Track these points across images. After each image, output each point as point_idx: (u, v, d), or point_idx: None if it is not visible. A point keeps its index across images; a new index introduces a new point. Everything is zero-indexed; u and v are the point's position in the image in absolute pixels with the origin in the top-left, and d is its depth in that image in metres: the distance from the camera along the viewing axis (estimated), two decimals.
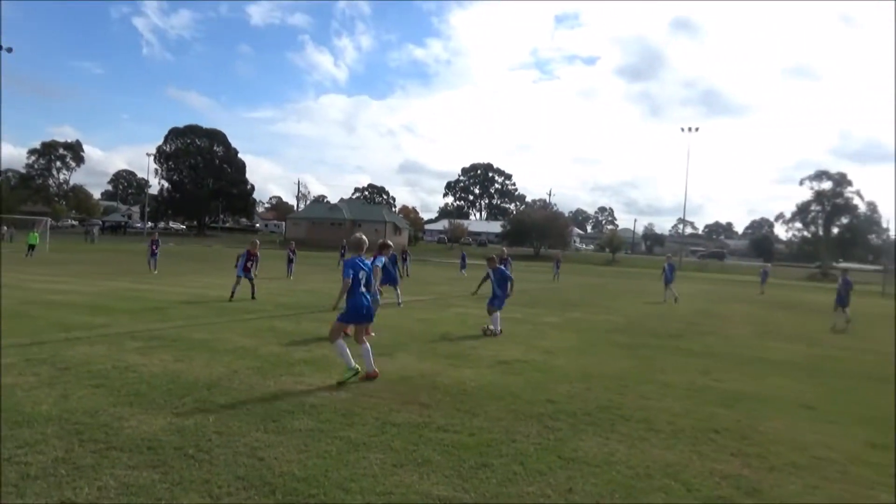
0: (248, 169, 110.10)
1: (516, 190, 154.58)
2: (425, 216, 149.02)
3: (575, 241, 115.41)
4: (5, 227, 52.12)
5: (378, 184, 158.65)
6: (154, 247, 25.40)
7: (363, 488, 4.11)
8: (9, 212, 55.99)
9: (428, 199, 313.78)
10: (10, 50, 55.64)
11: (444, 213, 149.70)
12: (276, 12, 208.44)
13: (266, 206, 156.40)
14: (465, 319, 13.91)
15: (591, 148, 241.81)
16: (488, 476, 4.45)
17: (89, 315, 11.59)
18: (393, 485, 4.19)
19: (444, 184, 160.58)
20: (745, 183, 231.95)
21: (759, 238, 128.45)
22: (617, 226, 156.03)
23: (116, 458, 4.42)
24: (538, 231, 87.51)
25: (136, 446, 4.67)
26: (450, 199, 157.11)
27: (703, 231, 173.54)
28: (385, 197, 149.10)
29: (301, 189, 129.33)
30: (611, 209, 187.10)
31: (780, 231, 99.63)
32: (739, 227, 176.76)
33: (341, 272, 7.28)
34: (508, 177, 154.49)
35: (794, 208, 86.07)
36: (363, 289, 7.25)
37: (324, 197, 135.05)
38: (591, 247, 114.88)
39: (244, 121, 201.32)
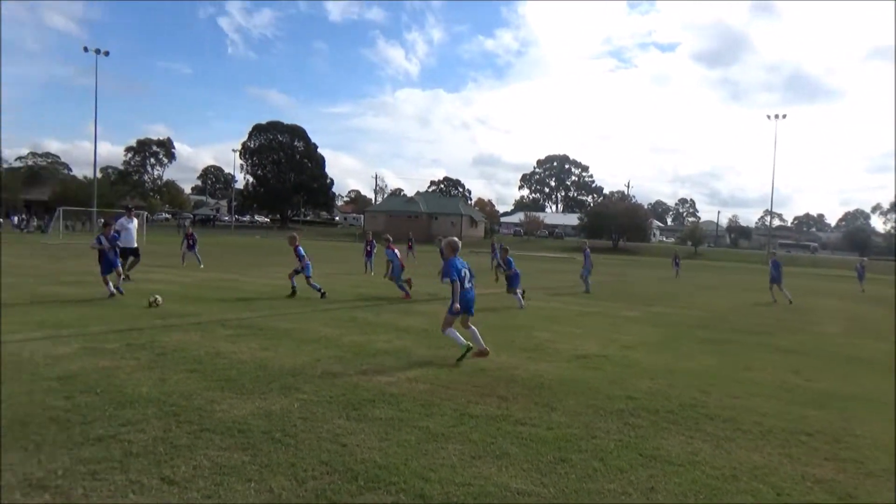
0: (327, 163, 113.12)
1: (593, 182, 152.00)
2: (501, 209, 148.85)
3: (655, 234, 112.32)
4: (102, 220, 55.65)
5: (453, 176, 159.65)
6: (190, 240, 24.31)
7: (442, 478, 4.16)
8: (109, 206, 59.76)
9: (503, 192, 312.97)
10: (106, 53, 59.40)
11: (520, 205, 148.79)
12: (353, 7, 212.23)
13: (345, 199, 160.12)
14: (544, 313, 13.80)
15: (671, 138, 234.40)
16: (567, 471, 4.41)
17: (182, 304, 12.23)
18: (471, 476, 4.23)
19: (520, 176, 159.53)
20: (837, 172, 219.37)
21: (854, 230, 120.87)
22: (699, 218, 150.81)
23: (210, 440, 4.66)
24: (616, 224, 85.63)
25: (228, 429, 4.91)
26: (525, 192, 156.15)
27: (792, 223, 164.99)
28: (460, 190, 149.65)
29: (378, 182, 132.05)
30: (692, 201, 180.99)
31: (877, 223, 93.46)
32: (832, 219, 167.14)
33: (442, 273, 8.39)
34: (585, 168, 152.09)
35: (892, 198, 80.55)
36: (468, 284, 8.23)
37: (401, 190, 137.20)
38: (672, 240, 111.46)
39: (323, 116, 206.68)
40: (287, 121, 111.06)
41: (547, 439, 5.06)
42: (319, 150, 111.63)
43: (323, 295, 14.39)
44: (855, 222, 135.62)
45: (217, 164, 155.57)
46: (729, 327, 13.11)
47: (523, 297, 14.94)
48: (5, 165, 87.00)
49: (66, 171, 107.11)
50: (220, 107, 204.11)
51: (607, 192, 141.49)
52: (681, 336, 11.46)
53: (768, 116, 78.43)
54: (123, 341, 8.16)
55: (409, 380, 6.83)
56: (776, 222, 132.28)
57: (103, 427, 4.81)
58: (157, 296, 11.79)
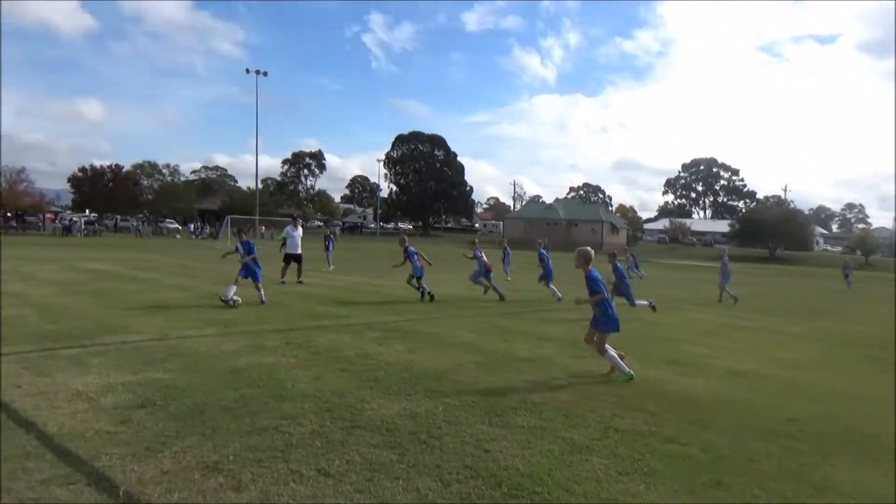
0: (466, 171, 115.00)
1: (745, 186, 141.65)
2: (644, 215, 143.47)
3: (818, 243, 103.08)
4: (264, 228, 60.75)
5: (593, 182, 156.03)
6: (327, 242, 26.59)
7: (586, 492, 4.08)
8: (268, 215, 64.79)
9: (646, 197, 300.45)
10: (265, 73, 64.50)
11: (665, 211, 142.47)
12: (489, 17, 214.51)
13: (484, 206, 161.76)
14: (695, 325, 13.11)
15: (833, 137, 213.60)
16: (723, 496, 4.16)
17: (334, 306, 12.96)
18: (617, 492, 4.10)
19: (663, 181, 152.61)
20: None
21: None
22: (870, 224, 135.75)
23: (360, 437, 4.89)
24: (772, 231, 79.49)
25: (377, 427, 5.13)
26: (670, 197, 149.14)
27: None
28: (601, 196, 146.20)
29: (517, 189, 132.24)
30: (861, 206, 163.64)
31: None
32: None
33: (588, 285, 7.56)
34: (735, 172, 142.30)
35: None
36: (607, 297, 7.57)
37: (539, 197, 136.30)
38: (839, 249, 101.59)
39: (462, 125, 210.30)
40: (427, 130, 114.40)
41: (699, 459, 4.80)
42: (459, 158, 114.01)
43: (432, 298, 14.64)
44: None
45: (363, 174, 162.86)
46: None
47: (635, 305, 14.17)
48: (182, 178, 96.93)
49: (232, 183, 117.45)
50: (366, 119, 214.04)
51: (761, 197, 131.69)
52: (850, 356, 10.41)
53: None
54: (283, 340, 8.79)
55: (552, 389, 6.76)
56: None
57: (267, 418, 5.21)
58: (236, 298, 12.15)
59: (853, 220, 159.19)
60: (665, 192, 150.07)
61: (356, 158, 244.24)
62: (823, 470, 4.73)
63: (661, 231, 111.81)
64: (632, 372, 7.28)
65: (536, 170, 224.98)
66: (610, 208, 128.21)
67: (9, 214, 58.17)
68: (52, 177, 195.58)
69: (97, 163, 75.63)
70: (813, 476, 4.59)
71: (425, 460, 4.48)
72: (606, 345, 7.39)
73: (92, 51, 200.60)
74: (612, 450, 4.90)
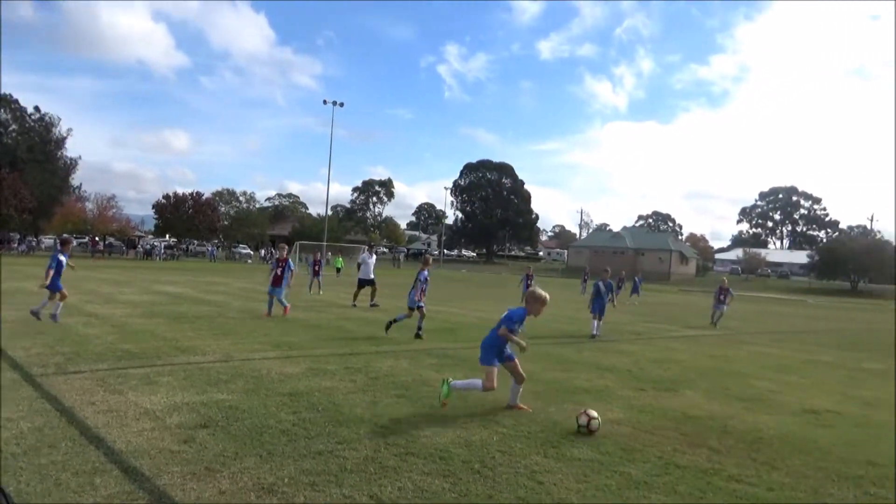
0: (533, 199, 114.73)
1: (827, 215, 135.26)
2: (716, 244, 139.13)
3: None
4: (330, 254, 62.15)
5: (663, 211, 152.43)
6: (316, 267, 24.55)
7: None
8: (336, 240, 66.26)
9: (719, 226, 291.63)
10: (341, 104, 66.40)
11: (739, 241, 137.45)
12: (565, 45, 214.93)
13: (549, 234, 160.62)
14: (764, 360, 12.55)
15: None
16: None
17: (395, 331, 13.05)
18: None
19: (738, 209, 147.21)
20: None
21: None
22: None
23: (413, 464, 4.89)
24: (855, 262, 75.39)
25: (430, 455, 5.12)
26: (745, 226, 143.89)
27: None
28: (671, 224, 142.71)
29: (583, 217, 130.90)
30: None
31: None
32: None
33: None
34: (817, 200, 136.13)
35: None
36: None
37: (606, 225, 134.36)
38: None
39: (532, 153, 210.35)
40: (496, 159, 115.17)
41: (766, 500, 4.56)
42: (526, 186, 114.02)
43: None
44: None
45: (430, 202, 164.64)
46: None
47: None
48: (257, 205, 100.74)
49: (303, 210, 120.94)
50: (436, 148, 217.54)
51: (844, 227, 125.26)
52: None
53: None
54: (342, 364, 8.91)
55: (611, 421, 6.58)
56: None
57: (323, 442, 5.28)
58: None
59: None
60: (739, 221, 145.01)
61: (424, 186, 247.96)
62: None
63: (733, 261, 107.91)
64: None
65: (606, 198, 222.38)
66: (680, 237, 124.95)
67: (97, 239, 61.48)
68: (139, 204, 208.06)
69: (180, 190, 79.19)
70: None
71: (477, 490, 4.43)
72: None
73: (182, 85, 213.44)
74: (672, 487, 4.73)
